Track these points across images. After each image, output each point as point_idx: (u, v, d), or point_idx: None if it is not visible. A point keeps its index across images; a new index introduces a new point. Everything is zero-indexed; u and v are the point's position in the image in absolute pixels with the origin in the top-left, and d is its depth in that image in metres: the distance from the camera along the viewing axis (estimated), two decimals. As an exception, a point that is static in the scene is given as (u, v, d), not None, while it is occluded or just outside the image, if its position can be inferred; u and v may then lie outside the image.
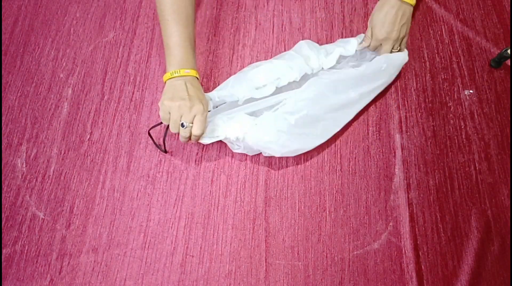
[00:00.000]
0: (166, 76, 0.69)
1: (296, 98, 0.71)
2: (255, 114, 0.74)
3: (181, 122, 0.66)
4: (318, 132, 0.73)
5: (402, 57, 0.78)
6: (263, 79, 0.73)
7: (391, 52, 0.77)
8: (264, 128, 0.70)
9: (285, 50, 0.86)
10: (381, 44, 0.76)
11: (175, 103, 0.66)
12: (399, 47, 0.77)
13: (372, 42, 0.76)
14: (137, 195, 0.74)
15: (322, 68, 0.77)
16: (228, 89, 0.73)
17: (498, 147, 0.78)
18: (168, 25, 0.69)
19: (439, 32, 0.89)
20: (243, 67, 0.81)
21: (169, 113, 0.67)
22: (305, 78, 0.75)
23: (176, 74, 0.68)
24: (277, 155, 0.72)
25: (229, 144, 0.75)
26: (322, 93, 0.71)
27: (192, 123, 0.67)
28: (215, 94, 0.74)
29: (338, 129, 0.76)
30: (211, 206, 0.74)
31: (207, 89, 0.83)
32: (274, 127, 0.69)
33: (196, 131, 0.67)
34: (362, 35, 0.81)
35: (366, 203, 0.74)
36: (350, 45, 0.78)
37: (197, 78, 0.71)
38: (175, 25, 0.69)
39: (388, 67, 0.76)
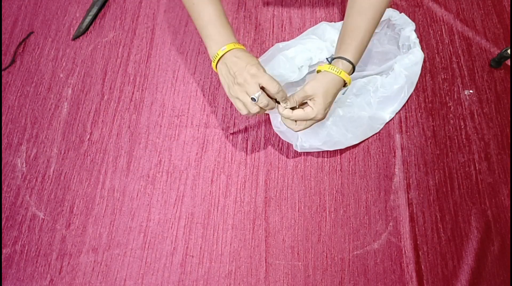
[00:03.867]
0: (213, 66, 0.63)
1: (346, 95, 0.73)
2: None
3: (251, 97, 0.58)
4: (358, 133, 0.75)
5: (419, 58, 0.76)
6: (301, 60, 0.73)
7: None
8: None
9: (285, 50, 0.86)
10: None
11: (233, 89, 0.59)
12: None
13: (308, 115, 0.60)
14: (137, 195, 0.74)
15: None
16: (280, 70, 0.71)
17: (498, 147, 0.78)
18: (194, 8, 0.63)
19: (439, 32, 0.89)
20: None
21: (239, 100, 0.59)
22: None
23: (216, 59, 0.61)
24: (317, 144, 0.71)
25: (273, 121, 0.72)
26: (364, 105, 0.74)
27: (261, 89, 0.58)
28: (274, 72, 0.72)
29: (370, 135, 0.78)
30: (211, 206, 0.73)
31: (212, 86, 0.83)
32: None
33: (272, 89, 0.58)
34: None
35: (366, 203, 0.74)
36: None
37: (236, 49, 0.61)
38: (201, 5, 0.63)
39: (410, 78, 0.76)
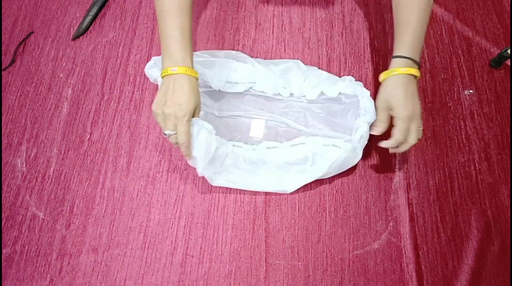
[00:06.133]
0: (160, 75, 0.64)
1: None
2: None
3: (164, 131, 0.62)
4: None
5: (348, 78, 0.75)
6: (238, 77, 0.74)
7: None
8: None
9: (285, 50, 0.86)
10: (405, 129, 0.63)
11: (156, 110, 0.61)
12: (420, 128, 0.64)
13: (399, 125, 0.62)
14: (137, 195, 0.74)
15: (304, 96, 0.77)
16: (214, 71, 0.73)
17: (498, 147, 0.78)
18: (161, 16, 0.63)
19: (439, 32, 0.89)
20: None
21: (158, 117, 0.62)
22: (277, 97, 0.78)
23: (163, 74, 0.62)
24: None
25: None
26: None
27: (176, 131, 0.61)
28: (199, 67, 0.72)
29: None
30: (211, 206, 0.73)
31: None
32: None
33: (179, 138, 0.61)
34: (347, 77, 0.75)
35: (366, 203, 0.74)
36: (334, 89, 0.74)
37: (187, 75, 0.61)
38: (169, 16, 0.62)
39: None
